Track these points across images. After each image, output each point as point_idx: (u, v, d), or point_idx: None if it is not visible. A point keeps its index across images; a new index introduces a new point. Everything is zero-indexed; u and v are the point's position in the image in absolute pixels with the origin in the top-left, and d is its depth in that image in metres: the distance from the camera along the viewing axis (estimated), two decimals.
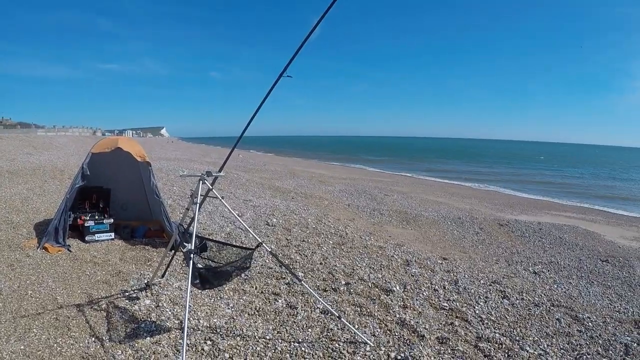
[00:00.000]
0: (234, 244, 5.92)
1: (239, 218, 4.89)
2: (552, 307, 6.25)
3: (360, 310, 5.28)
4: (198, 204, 4.29)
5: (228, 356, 4.01)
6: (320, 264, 6.90)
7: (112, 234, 7.38)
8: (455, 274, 7.23)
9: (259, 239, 4.41)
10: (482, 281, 7.03)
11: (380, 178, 28.14)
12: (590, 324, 5.80)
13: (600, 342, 5.27)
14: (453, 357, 4.44)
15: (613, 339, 5.42)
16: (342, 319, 4.66)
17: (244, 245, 6.30)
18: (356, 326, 4.80)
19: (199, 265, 4.23)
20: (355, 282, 6.20)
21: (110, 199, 7.93)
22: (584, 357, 4.83)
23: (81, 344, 4.05)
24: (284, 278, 6.04)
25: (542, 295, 6.76)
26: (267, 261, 6.68)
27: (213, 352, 4.08)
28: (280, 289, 5.67)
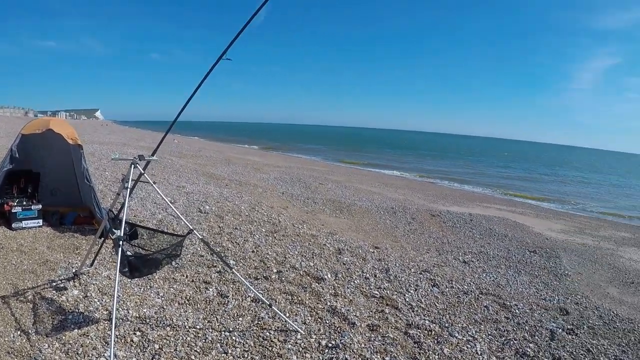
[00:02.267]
0: (165, 231, 5.83)
1: (170, 204, 4.81)
2: (480, 295, 6.46)
3: (292, 299, 5.31)
4: (129, 189, 4.19)
5: (158, 347, 3.96)
6: (252, 252, 6.88)
7: (40, 221, 7.08)
8: (386, 262, 7.36)
9: (190, 226, 4.36)
10: (412, 270, 7.18)
11: (317, 167, 28.19)
12: (517, 311, 6.04)
13: (526, 328, 5.51)
14: (383, 344, 4.52)
15: (539, 325, 5.67)
16: (273, 307, 4.67)
17: (176, 233, 6.21)
18: (287, 314, 4.83)
19: (128, 253, 4.13)
20: (287, 270, 6.23)
21: (39, 183, 7.63)
22: (511, 342, 5.02)
23: (6, 339, 3.90)
24: (215, 266, 5.99)
25: (471, 283, 6.98)
26: (199, 249, 6.61)
27: (142, 343, 4.02)
28: (211, 277, 5.63)
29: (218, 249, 6.73)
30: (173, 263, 5.69)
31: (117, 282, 3.75)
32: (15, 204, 6.95)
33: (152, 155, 4.50)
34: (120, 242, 3.85)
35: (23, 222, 6.92)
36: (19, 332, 4.04)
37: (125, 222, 4.06)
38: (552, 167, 61.49)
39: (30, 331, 4.07)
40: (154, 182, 4.40)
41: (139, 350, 3.91)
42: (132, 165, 4.21)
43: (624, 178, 54.01)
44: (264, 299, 4.82)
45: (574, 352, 5.07)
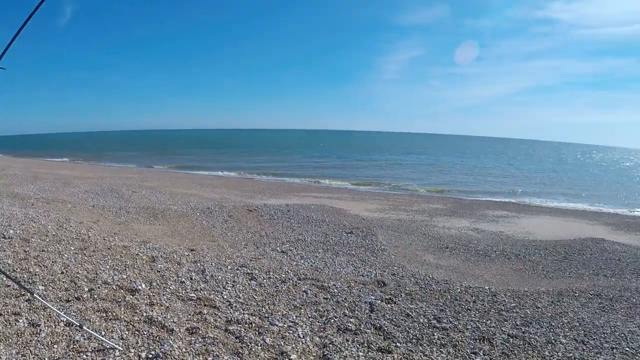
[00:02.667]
0: None
1: None
2: (298, 281, 6.82)
3: (106, 315, 5.25)
4: None
5: None
6: (62, 273, 6.65)
7: None
8: (202, 263, 7.50)
9: None
10: (229, 267, 7.40)
11: (129, 174, 27.45)
12: (335, 290, 6.46)
13: (346, 304, 5.93)
14: (204, 345, 4.65)
15: (358, 300, 6.12)
16: (84, 327, 4.63)
17: None
18: (103, 332, 4.79)
19: None
20: (99, 287, 6.12)
21: None
22: (332, 320, 5.39)
23: None
24: (24, 295, 5.71)
25: (289, 271, 7.33)
26: (4, 279, 6.30)
27: None
28: (20, 308, 5.35)
29: (25, 276, 6.43)
30: None
31: None
32: None
33: None
34: None
35: None
36: None
37: None
38: (367, 153, 64.95)
39: None
40: None
41: None
42: None
43: (435, 156, 58.62)
44: (72, 320, 4.78)
45: (394, 319, 5.58)
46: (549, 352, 4.99)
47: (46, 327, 4.93)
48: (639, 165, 68.51)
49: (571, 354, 4.96)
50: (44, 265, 6.96)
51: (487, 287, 7.28)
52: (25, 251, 7.65)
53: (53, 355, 4.42)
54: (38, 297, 4.65)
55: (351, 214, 14.23)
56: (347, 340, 4.97)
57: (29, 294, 4.88)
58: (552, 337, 5.37)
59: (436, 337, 5.23)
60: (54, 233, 8.98)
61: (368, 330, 5.26)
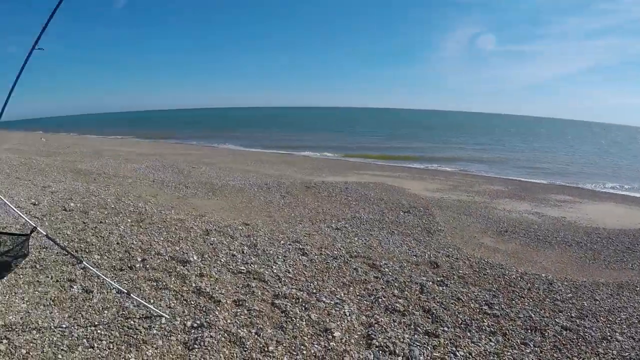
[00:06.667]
0: (7, 232, 5.71)
1: (7, 202, 4.68)
2: (350, 259, 6.80)
3: (156, 285, 5.39)
4: None
5: (25, 352, 3.95)
6: (117, 243, 6.85)
7: None
8: (255, 237, 7.57)
9: (32, 224, 4.32)
10: (282, 242, 7.46)
11: (190, 151, 27.98)
12: (387, 269, 6.42)
13: (396, 285, 5.87)
14: (249, 317, 4.72)
15: (409, 280, 6.05)
16: (131, 295, 4.75)
17: (22, 232, 6.08)
18: (152, 301, 4.93)
19: None
20: (151, 258, 6.29)
21: None
22: (380, 300, 5.36)
23: None
24: (80, 263, 5.94)
25: (341, 248, 7.32)
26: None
27: (10, 350, 3.98)
28: (75, 275, 5.57)
29: (82, 245, 6.65)
30: (37, 265, 5.64)
31: None
32: None
33: None
34: None
35: None
36: None
37: None
38: (429, 132, 64.02)
39: None
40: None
41: (7, 358, 3.89)
42: None
43: (497, 136, 57.30)
44: (120, 287, 4.91)
45: (444, 302, 5.49)
46: (603, 349, 4.76)
47: (98, 294, 5.11)
48: None
49: (627, 354, 4.70)
50: (100, 236, 7.17)
51: (543, 275, 7.03)
52: (84, 222, 7.87)
53: (103, 320, 4.56)
54: (87, 265, 4.76)
55: (410, 193, 14.07)
56: (394, 321, 4.93)
57: (77, 261, 4.98)
58: (608, 333, 5.13)
59: (486, 323, 5.10)
60: (113, 206, 9.23)
61: (416, 312, 5.19)
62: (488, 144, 46.96)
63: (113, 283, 4.97)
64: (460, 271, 6.75)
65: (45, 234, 4.43)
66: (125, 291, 4.80)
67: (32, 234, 4.29)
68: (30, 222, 4.53)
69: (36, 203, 9.17)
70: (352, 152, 32.72)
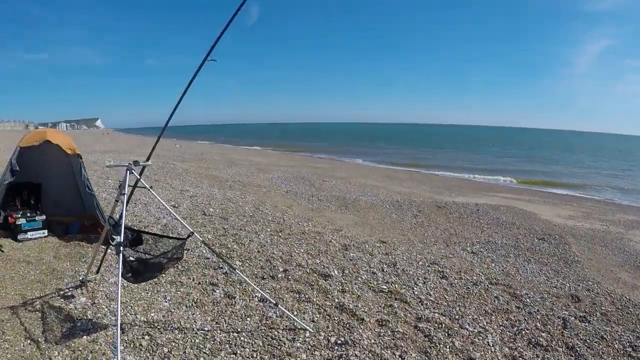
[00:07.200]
0: (169, 235, 5.81)
1: (170, 208, 4.77)
2: (490, 285, 6.43)
3: (299, 297, 5.29)
4: (126, 195, 4.15)
5: (167, 350, 3.95)
6: (258, 251, 6.86)
7: (45, 231, 7.01)
8: (393, 256, 7.33)
9: (190, 229, 4.33)
10: (420, 263, 7.16)
11: (318, 164, 28.23)
12: (528, 300, 6.00)
13: (538, 317, 5.47)
14: (393, 339, 4.50)
15: (551, 313, 5.62)
16: (279, 306, 4.67)
17: (178, 236, 6.19)
18: (295, 313, 4.81)
19: (131, 259, 4.10)
20: (293, 269, 6.21)
21: (41, 194, 7.57)
22: (523, 332, 5.00)
23: (16, 348, 3.89)
24: (222, 268, 5.95)
25: (480, 274, 6.94)
26: (204, 252, 6.55)
27: (151, 347, 4.00)
28: (217, 279, 5.60)
29: (223, 251, 6.72)
30: (179, 266, 5.70)
31: (119, 286, 3.74)
32: (20, 215, 6.88)
33: (147, 160, 4.44)
34: (121, 248, 3.81)
35: (28, 233, 6.86)
36: (28, 341, 4.02)
37: (127, 227, 4.04)
38: (561, 154, 61.18)
39: (39, 339, 4.06)
40: (151, 187, 4.36)
41: (148, 355, 3.90)
42: (128, 172, 4.17)
43: (635, 162, 53.67)
44: (270, 298, 4.83)
45: (588, 340, 5.04)
46: None
47: (241, 300, 5.07)
48: None
49: None
50: (241, 243, 7.21)
51: None
52: (224, 228, 7.98)
53: (246, 327, 4.50)
54: (240, 274, 4.75)
55: (542, 218, 13.33)
56: (537, 357, 4.57)
57: (230, 269, 4.96)
58: None
59: None
60: (251, 214, 9.32)
61: (559, 349, 4.78)
62: (624, 169, 44.01)
63: (264, 294, 4.91)
64: (603, 307, 6.18)
65: (201, 239, 4.42)
66: (274, 301, 4.73)
67: (189, 239, 4.29)
68: (188, 227, 4.51)
69: (176, 205, 9.43)
70: (478, 171, 31.66)
